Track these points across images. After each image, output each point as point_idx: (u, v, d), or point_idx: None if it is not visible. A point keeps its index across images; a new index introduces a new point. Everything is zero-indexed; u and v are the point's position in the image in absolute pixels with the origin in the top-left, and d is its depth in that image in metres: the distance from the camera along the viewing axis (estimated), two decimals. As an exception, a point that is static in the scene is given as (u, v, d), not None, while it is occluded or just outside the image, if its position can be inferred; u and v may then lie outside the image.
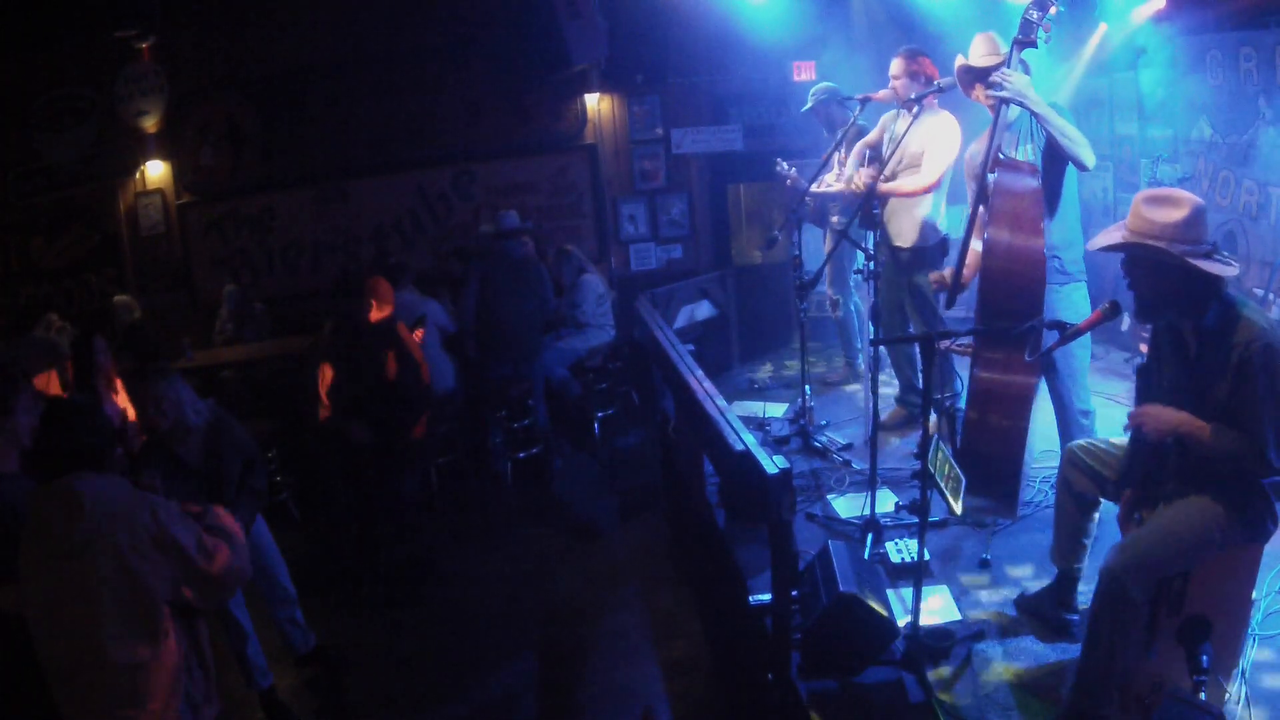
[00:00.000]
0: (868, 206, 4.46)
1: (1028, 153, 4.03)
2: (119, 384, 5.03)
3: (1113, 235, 2.88)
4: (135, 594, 2.61)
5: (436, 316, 6.78)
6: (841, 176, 5.54)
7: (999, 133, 3.91)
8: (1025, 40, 3.83)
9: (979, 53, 4.20)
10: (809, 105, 6.07)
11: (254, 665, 4.10)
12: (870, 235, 4.43)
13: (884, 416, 5.54)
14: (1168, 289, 2.76)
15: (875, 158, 5.26)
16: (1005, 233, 3.84)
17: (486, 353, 6.65)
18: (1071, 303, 4.02)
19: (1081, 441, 3.33)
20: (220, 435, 3.96)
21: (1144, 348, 5.59)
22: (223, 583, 2.83)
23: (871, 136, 5.38)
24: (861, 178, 5.14)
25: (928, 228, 5.09)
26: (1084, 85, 6.79)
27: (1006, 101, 3.84)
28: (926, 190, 5.01)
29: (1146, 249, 2.73)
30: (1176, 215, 2.71)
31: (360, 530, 5.30)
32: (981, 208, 4.02)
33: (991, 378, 4.00)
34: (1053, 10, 3.79)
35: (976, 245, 4.41)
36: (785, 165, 6.01)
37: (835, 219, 5.98)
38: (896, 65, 4.95)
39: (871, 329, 4.45)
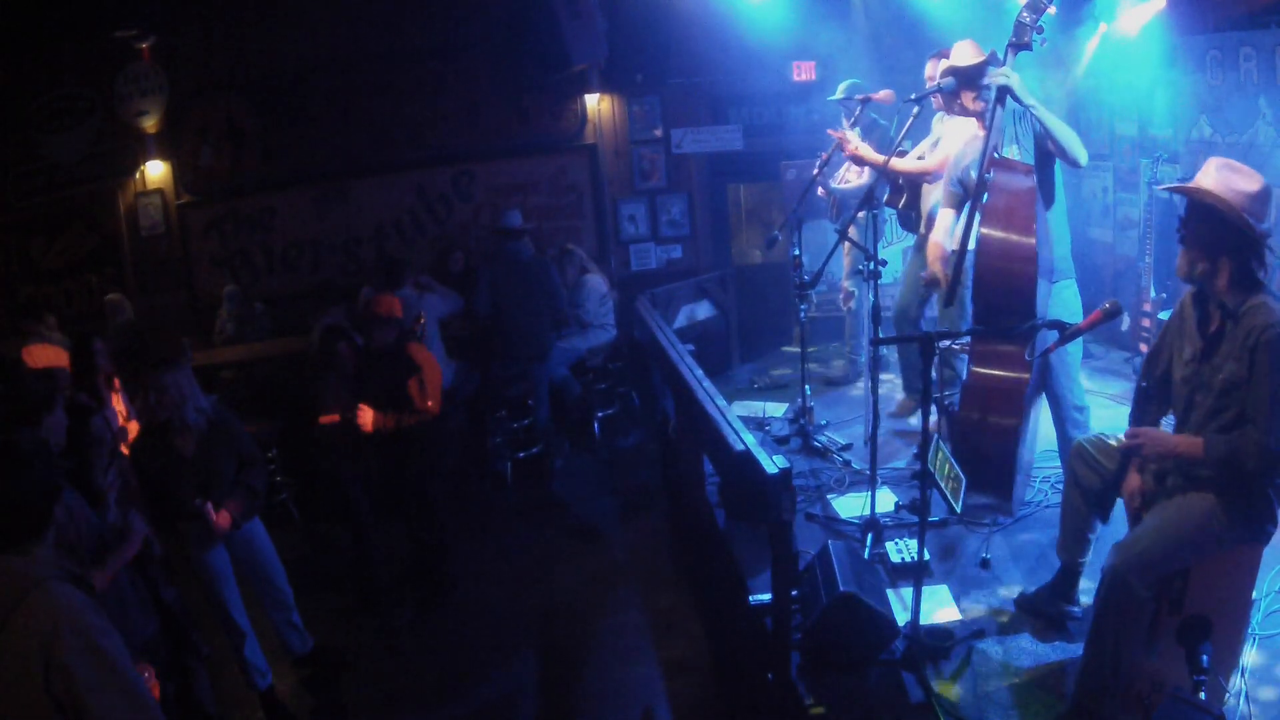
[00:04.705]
0: (870, 193, 4.50)
1: (1014, 154, 4.04)
2: (117, 384, 5.04)
3: (1186, 185, 2.88)
4: (39, 702, 2.12)
5: (436, 309, 6.79)
6: (862, 174, 5.56)
7: (994, 133, 3.92)
8: (1019, 43, 3.83)
9: (961, 56, 4.23)
10: (839, 96, 5.96)
11: (252, 665, 4.10)
12: (870, 235, 4.44)
13: (894, 408, 5.66)
14: (1219, 249, 2.75)
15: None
16: (999, 231, 3.85)
17: (497, 353, 6.66)
18: (1062, 300, 4.05)
19: (1090, 436, 3.34)
20: (218, 433, 3.98)
21: (1144, 347, 5.60)
22: None
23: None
24: (870, 149, 5.12)
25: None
26: (1084, 85, 6.79)
27: (1003, 98, 3.85)
28: (924, 171, 5.00)
29: (1217, 199, 2.74)
30: (1251, 187, 2.76)
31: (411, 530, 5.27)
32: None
33: (985, 374, 4.01)
34: (1049, 10, 3.79)
35: (935, 238, 4.45)
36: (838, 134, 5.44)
37: (861, 215, 5.99)
38: (930, 67, 4.98)
39: (871, 328, 4.46)
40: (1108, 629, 2.74)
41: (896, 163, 4.84)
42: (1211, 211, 2.75)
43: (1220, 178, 2.78)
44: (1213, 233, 2.76)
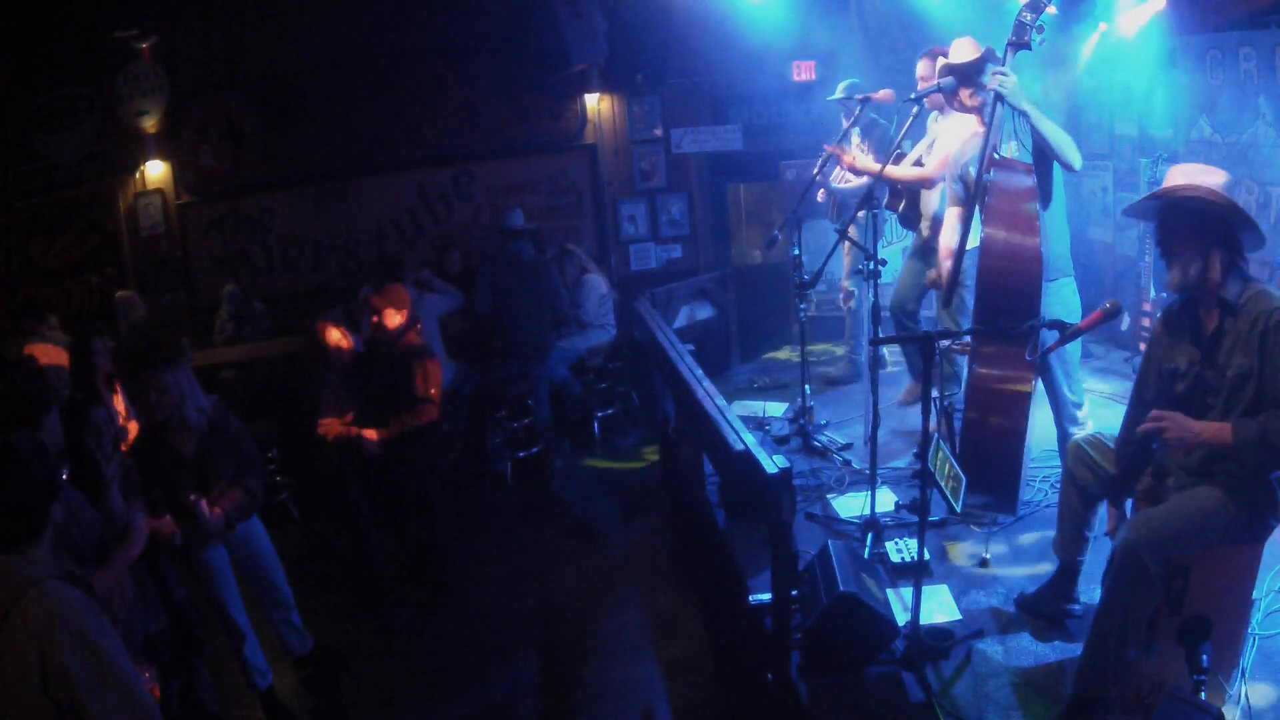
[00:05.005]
0: (870, 193, 4.51)
1: (1012, 150, 4.05)
2: (117, 385, 5.03)
3: (1161, 188, 2.91)
4: (39, 703, 2.14)
5: (435, 308, 6.80)
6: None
7: (994, 133, 3.92)
8: (1019, 43, 3.83)
9: (959, 53, 4.23)
10: (838, 95, 5.96)
11: (252, 666, 4.10)
12: (870, 234, 4.44)
13: (902, 395, 5.75)
14: (1209, 243, 2.76)
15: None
16: (1003, 231, 3.85)
17: (497, 353, 6.66)
18: (1061, 299, 4.05)
19: (1088, 436, 3.34)
20: (218, 433, 3.98)
21: (1144, 347, 5.61)
22: None
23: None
24: (869, 160, 5.12)
25: (938, 224, 5.07)
26: (1083, 85, 6.79)
27: (999, 100, 3.85)
28: (922, 179, 5.01)
29: (1195, 189, 2.76)
30: (1217, 179, 2.83)
31: (401, 529, 5.26)
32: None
33: (990, 375, 4.01)
34: (1049, 10, 3.79)
35: (943, 238, 4.47)
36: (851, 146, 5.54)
37: (861, 214, 6.00)
38: (923, 66, 4.97)
39: (871, 328, 4.46)
40: (1117, 605, 2.75)
41: (892, 171, 4.88)
42: (1194, 206, 2.77)
43: (1188, 177, 2.85)
44: (1199, 229, 2.78)
